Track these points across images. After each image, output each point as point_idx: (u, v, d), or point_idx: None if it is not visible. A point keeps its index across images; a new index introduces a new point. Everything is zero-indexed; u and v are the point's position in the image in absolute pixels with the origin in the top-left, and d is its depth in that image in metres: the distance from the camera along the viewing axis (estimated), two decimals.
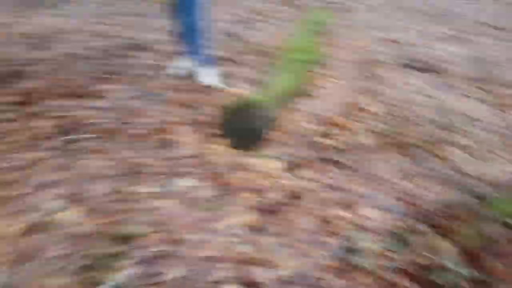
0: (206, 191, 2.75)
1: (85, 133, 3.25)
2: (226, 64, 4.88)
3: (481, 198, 2.76)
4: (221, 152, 3.15)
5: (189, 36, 4.01)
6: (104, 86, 4.07)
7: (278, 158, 3.12)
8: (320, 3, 8.47)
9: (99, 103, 3.74)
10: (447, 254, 2.23)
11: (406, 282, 2.12)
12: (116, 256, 2.19)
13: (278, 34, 6.23)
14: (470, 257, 2.22)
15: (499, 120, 3.97)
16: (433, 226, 2.48)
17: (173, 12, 3.94)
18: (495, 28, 7.23)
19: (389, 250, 2.32)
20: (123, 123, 3.45)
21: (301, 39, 4.96)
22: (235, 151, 3.16)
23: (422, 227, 2.49)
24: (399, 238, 2.39)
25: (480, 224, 2.42)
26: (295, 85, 3.87)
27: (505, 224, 2.41)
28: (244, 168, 2.99)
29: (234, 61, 5.01)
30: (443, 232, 2.41)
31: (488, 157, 3.33)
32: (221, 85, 4.16)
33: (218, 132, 3.28)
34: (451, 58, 5.64)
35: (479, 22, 7.55)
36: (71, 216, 2.43)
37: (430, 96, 4.42)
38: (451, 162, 3.21)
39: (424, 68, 5.17)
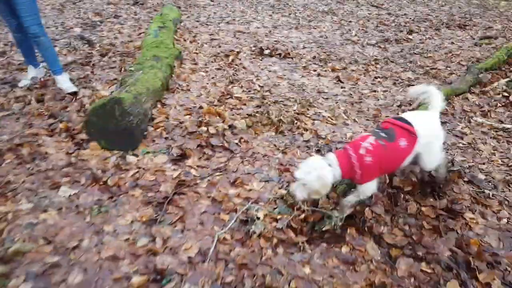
0: (90, 196, 2.63)
1: None
2: (84, 69, 4.61)
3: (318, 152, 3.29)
4: (97, 156, 3.02)
5: (37, 45, 3.70)
6: None
7: (160, 152, 3.15)
8: (168, 0, 8.53)
9: None
10: (324, 204, 2.63)
11: (294, 236, 2.45)
12: (5, 275, 1.98)
13: (132, 34, 6.09)
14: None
15: (340, 90, 4.74)
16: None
17: (13, 23, 3.58)
18: (333, 14, 8.42)
19: (278, 213, 2.61)
20: None
21: (156, 37, 4.96)
22: (111, 153, 3.07)
23: None
24: (284, 202, 2.71)
25: None
26: (162, 81, 3.90)
27: None
28: (126, 167, 2.94)
29: (90, 65, 4.75)
30: None
31: (337, 122, 3.96)
32: (79, 90, 3.94)
33: (88, 137, 3.12)
34: (297, 43, 6.40)
35: (319, 11, 8.68)
36: None
37: (285, 78, 4.97)
38: (311, 131, 3.71)
39: (277, 54, 5.76)
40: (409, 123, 2.48)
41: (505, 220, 2.67)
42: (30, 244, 2.22)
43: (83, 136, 3.16)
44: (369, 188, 2.51)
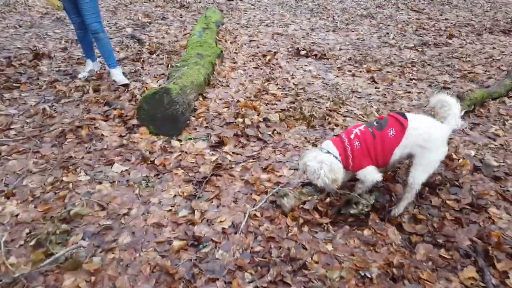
0: (139, 173, 2.97)
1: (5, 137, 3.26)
2: (135, 64, 5.05)
3: None
4: (145, 139, 3.37)
5: (96, 41, 4.14)
6: (16, 94, 4.04)
7: (201, 139, 3.46)
8: (212, 4, 8.97)
9: (13, 110, 3.70)
10: (353, 191, 2.79)
11: (319, 217, 2.64)
12: (64, 233, 2.33)
13: (178, 35, 6.53)
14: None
15: (374, 90, 4.86)
16: None
17: (77, 21, 4.04)
18: (372, 18, 8.50)
19: (305, 195, 2.82)
20: (42, 125, 3.46)
21: (200, 37, 5.32)
22: (158, 137, 3.41)
23: None
24: (313, 186, 2.91)
25: None
26: (204, 76, 4.22)
27: None
28: (171, 150, 3.27)
29: (140, 61, 5.19)
30: None
31: (368, 119, 4.09)
32: (131, 82, 4.36)
33: (139, 122, 3.49)
34: (334, 45, 6.56)
35: (357, 15, 8.78)
36: (10, 207, 2.48)
37: (320, 77, 5.16)
38: (341, 126, 3.88)
39: (313, 55, 5.95)
40: (405, 117, 2.54)
41: None
42: (87, 209, 2.58)
43: (134, 121, 3.53)
44: (367, 175, 2.59)
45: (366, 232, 2.54)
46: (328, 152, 2.53)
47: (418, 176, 2.59)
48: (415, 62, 5.80)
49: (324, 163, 2.46)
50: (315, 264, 2.28)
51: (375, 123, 2.61)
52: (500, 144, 3.68)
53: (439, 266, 2.31)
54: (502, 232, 2.56)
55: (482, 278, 2.22)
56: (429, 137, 2.51)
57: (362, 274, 2.21)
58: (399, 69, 5.54)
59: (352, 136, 2.55)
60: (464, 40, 6.99)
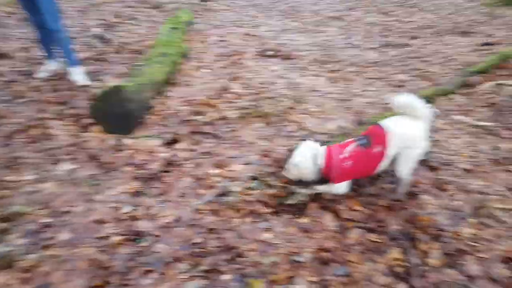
0: (86, 171, 3.05)
1: None
2: (98, 64, 5.10)
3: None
4: (98, 138, 3.44)
5: (55, 40, 4.18)
6: None
7: (155, 137, 3.55)
8: (184, 5, 9.03)
9: None
10: (290, 184, 2.93)
11: (263, 209, 2.77)
12: (3, 232, 2.39)
13: (147, 34, 6.58)
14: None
15: (333, 89, 5.02)
16: (280, 167, 3.20)
17: (35, 20, 4.07)
18: (341, 20, 8.70)
19: (250, 189, 2.94)
20: None
21: (167, 37, 5.41)
22: (112, 135, 3.48)
23: (274, 169, 3.19)
24: (259, 180, 3.03)
25: None
26: (166, 75, 4.32)
27: None
28: (122, 148, 3.34)
29: (104, 60, 5.24)
30: None
31: (324, 116, 4.25)
32: (90, 82, 4.41)
33: (92, 121, 3.55)
34: (301, 46, 6.72)
35: (328, 17, 8.98)
36: None
37: (283, 77, 5.30)
38: (297, 123, 4.03)
39: (279, 55, 6.10)
40: (384, 130, 2.69)
41: (459, 203, 2.90)
42: (29, 208, 2.63)
43: (89, 120, 3.59)
44: (341, 188, 2.80)
45: (304, 220, 2.67)
46: (315, 156, 2.72)
47: (404, 170, 2.80)
48: (376, 62, 6.00)
49: (311, 156, 2.70)
50: (251, 252, 2.40)
51: (362, 140, 2.74)
52: (442, 138, 3.87)
53: (368, 249, 2.46)
54: (430, 217, 2.73)
55: (406, 258, 2.38)
56: (410, 138, 2.70)
57: (294, 258, 2.34)
58: (359, 69, 5.72)
59: (342, 156, 2.69)
60: (426, 41, 7.24)
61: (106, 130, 3.51)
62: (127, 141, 3.43)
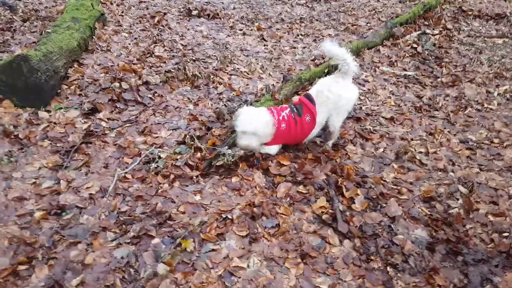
0: (1, 149, 2.76)
1: None
2: (4, 34, 4.54)
3: (245, 103, 3.56)
4: (10, 113, 3.11)
5: None
6: None
7: (72, 107, 3.28)
8: None
9: None
10: (221, 144, 2.89)
11: (191, 172, 2.71)
12: None
13: (53, 0, 5.97)
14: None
15: (262, 47, 4.96)
16: (208, 129, 3.14)
17: None
18: None
19: (178, 154, 2.86)
20: None
21: (78, 0, 4.92)
22: (24, 109, 3.16)
23: (203, 132, 3.12)
24: (186, 144, 2.95)
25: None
26: (78, 41, 3.95)
27: None
28: (38, 122, 3.06)
29: (11, 30, 4.68)
30: (213, 133, 3.09)
31: (252, 76, 4.20)
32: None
33: (0, 95, 3.19)
34: (228, 4, 6.50)
35: None
36: None
37: (210, 37, 5.12)
38: (225, 85, 3.94)
39: (205, 14, 5.85)
40: (313, 102, 2.79)
41: (381, 150, 3.06)
42: None
43: None
44: (273, 149, 2.87)
45: (234, 179, 2.67)
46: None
47: (336, 123, 2.89)
48: (304, 18, 6.00)
49: (261, 117, 2.67)
50: (181, 215, 2.36)
51: (294, 109, 2.81)
52: (368, 89, 4.02)
53: (296, 201, 2.53)
54: (355, 166, 2.85)
55: (331, 205, 2.48)
56: (338, 98, 2.78)
57: (224, 216, 2.34)
58: (288, 26, 5.69)
59: (281, 118, 2.74)
60: None
61: (17, 104, 3.18)
62: (42, 114, 3.15)
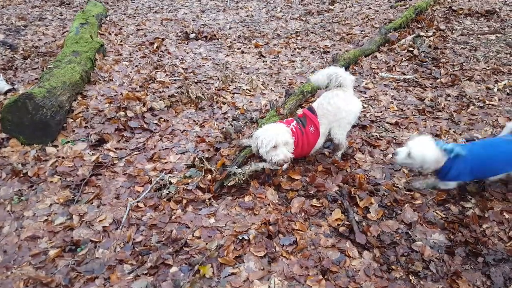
0: (10, 188, 2.77)
1: None
2: (6, 73, 4.62)
3: (250, 120, 3.58)
4: (17, 151, 3.14)
5: None
6: None
7: (79, 140, 3.31)
8: None
9: None
10: (230, 163, 2.89)
11: (203, 195, 2.70)
12: None
13: (56, 34, 6.07)
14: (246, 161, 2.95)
15: (261, 64, 5.01)
16: (216, 149, 3.15)
17: None
18: None
19: (189, 177, 2.86)
20: None
21: (77, 34, 5.01)
22: (32, 147, 3.19)
23: (211, 154, 3.13)
24: (196, 167, 2.96)
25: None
26: (80, 74, 4.01)
27: None
28: (46, 158, 3.08)
29: (13, 68, 4.77)
30: (222, 154, 3.09)
31: (254, 93, 4.23)
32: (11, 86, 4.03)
33: (7, 135, 3.23)
34: (224, 25, 6.59)
35: None
36: None
37: (209, 58, 5.18)
38: (229, 104, 3.97)
39: (203, 36, 5.93)
40: (314, 114, 2.81)
41: (390, 156, 3.04)
42: None
43: (2, 135, 3.26)
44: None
45: (246, 198, 2.66)
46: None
47: (339, 136, 2.88)
48: (300, 32, 6.07)
49: (282, 134, 2.61)
50: (196, 240, 2.35)
51: (299, 121, 2.83)
52: (370, 96, 4.03)
53: (310, 215, 2.51)
54: (366, 174, 2.84)
55: (347, 217, 2.46)
56: (338, 110, 2.78)
57: (240, 238, 2.32)
58: (284, 41, 5.75)
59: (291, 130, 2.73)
60: (345, 4, 7.44)
61: (24, 141, 3.22)
62: (50, 149, 3.17)
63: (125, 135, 3.42)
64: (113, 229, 2.46)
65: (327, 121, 2.82)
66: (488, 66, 4.58)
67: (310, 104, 3.04)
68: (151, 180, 2.87)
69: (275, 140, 2.54)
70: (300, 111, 3.42)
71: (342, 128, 2.88)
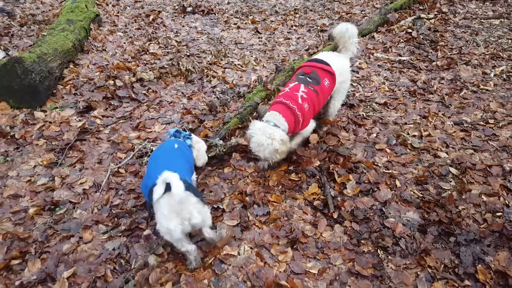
0: None
1: None
2: (2, 39, 4.62)
3: (238, 95, 3.57)
4: (5, 114, 3.17)
5: None
6: None
7: (68, 106, 3.33)
8: None
9: None
10: (213, 135, 2.91)
11: None
12: None
13: (54, 3, 6.02)
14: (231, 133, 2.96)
15: (256, 40, 4.96)
16: (201, 121, 3.17)
17: None
18: None
19: None
20: None
21: (73, 3, 4.97)
22: (21, 110, 3.22)
23: (196, 125, 3.14)
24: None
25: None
26: (73, 42, 4.00)
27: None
28: (34, 122, 3.12)
29: (9, 35, 4.76)
30: (205, 126, 3.11)
31: (246, 68, 4.21)
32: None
33: None
34: (222, 0, 6.50)
35: None
36: None
37: (204, 33, 5.14)
38: (219, 78, 3.95)
39: (200, 11, 5.87)
40: (327, 64, 2.66)
41: (374, 135, 3.04)
42: None
43: None
44: (309, 129, 2.72)
45: (226, 169, 2.68)
46: (275, 125, 2.46)
47: (337, 106, 2.89)
48: (299, 9, 5.98)
49: (275, 139, 2.39)
50: None
51: (308, 79, 2.60)
52: (362, 76, 4.00)
53: (288, 188, 2.53)
54: (348, 152, 2.85)
55: (323, 192, 2.49)
56: (344, 71, 2.74)
57: (215, 206, 2.36)
58: (282, 18, 5.67)
59: (300, 101, 2.52)
60: None
61: (14, 105, 3.25)
62: (38, 114, 3.21)
63: (112, 103, 3.43)
64: (92, 191, 2.51)
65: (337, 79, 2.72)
66: (488, 51, 4.51)
67: (313, 57, 2.88)
68: (134, 147, 2.90)
69: (272, 147, 2.39)
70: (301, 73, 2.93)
71: (342, 95, 2.87)
